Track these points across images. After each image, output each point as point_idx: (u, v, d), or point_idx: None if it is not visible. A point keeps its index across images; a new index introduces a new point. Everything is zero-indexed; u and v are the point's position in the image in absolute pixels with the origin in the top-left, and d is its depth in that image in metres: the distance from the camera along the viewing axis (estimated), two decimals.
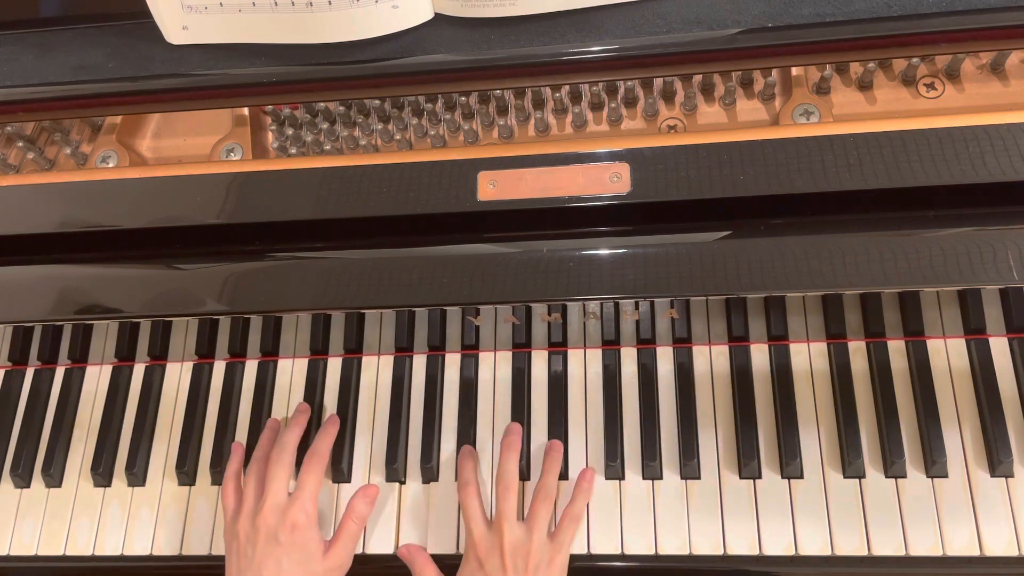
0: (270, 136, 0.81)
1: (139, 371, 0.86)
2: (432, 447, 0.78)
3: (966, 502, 0.70)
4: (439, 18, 0.64)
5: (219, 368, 0.85)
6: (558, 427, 0.77)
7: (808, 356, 0.77)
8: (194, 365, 0.85)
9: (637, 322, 0.79)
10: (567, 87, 0.76)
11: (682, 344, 0.79)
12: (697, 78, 0.75)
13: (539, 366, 0.80)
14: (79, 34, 0.69)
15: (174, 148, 0.82)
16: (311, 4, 0.62)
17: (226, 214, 0.69)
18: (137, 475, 0.81)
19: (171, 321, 0.86)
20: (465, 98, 0.76)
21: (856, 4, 0.60)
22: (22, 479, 0.83)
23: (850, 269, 0.62)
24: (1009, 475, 0.71)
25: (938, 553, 0.69)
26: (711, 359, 0.78)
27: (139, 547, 0.79)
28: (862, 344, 0.77)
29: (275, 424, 0.80)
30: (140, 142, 0.82)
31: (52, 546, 0.80)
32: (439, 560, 0.74)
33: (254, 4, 0.63)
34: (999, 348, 0.75)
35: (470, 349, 0.82)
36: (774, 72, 0.73)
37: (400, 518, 0.76)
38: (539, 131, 0.76)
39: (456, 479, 0.75)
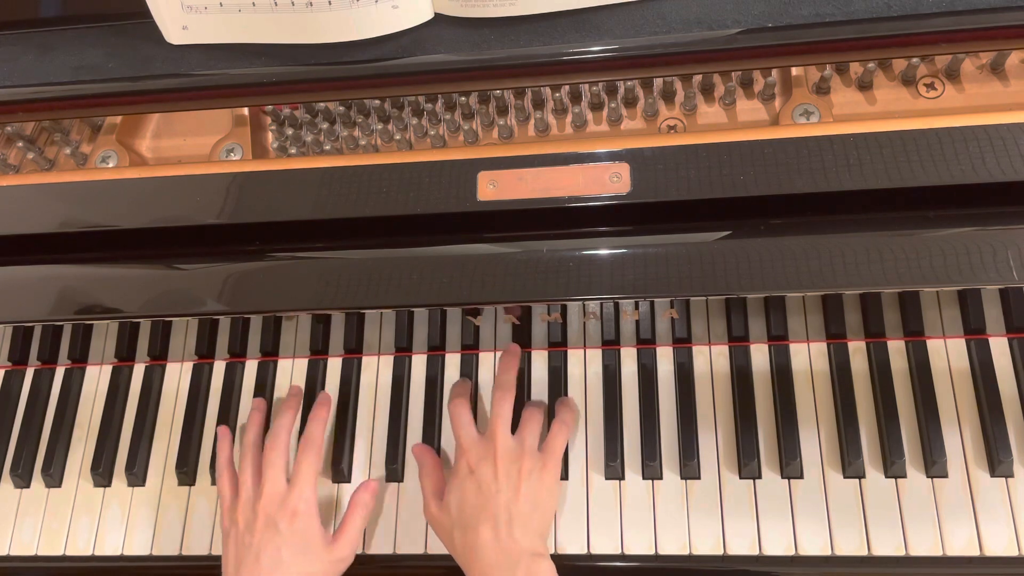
0: (270, 136, 0.81)
1: (139, 371, 0.86)
2: (432, 447, 0.78)
3: (966, 502, 0.70)
4: (439, 18, 0.64)
5: (219, 368, 0.85)
6: None
7: (808, 356, 0.77)
8: (194, 365, 0.85)
9: (637, 322, 0.79)
10: (567, 87, 0.76)
11: (682, 344, 0.79)
12: (697, 78, 0.75)
13: (539, 366, 0.80)
14: (79, 34, 0.69)
15: (174, 148, 0.82)
16: (311, 4, 0.62)
17: (226, 214, 0.69)
18: (137, 475, 0.81)
19: (171, 321, 0.86)
20: (465, 98, 0.76)
21: (856, 4, 0.60)
22: (22, 479, 0.83)
23: (850, 269, 0.62)
24: (1009, 475, 0.71)
25: (938, 553, 0.69)
26: (711, 359, 0.78)
27: (139, 547, 0.79)
28: (862, 344, 0.77)
29: (260, 405, 0.80)
30: (140, 142, 0.82)
31: (52, 546, 0.80)
32: (439, 560, 0.74)
33: (254, 4, 0.63)
34: (999, 348, 0.75)
35: (470, 349, 0.82)
36: (774, 72, 0.73)
37: (399, 518, 0.76)
38: (539, 131, 0.76)
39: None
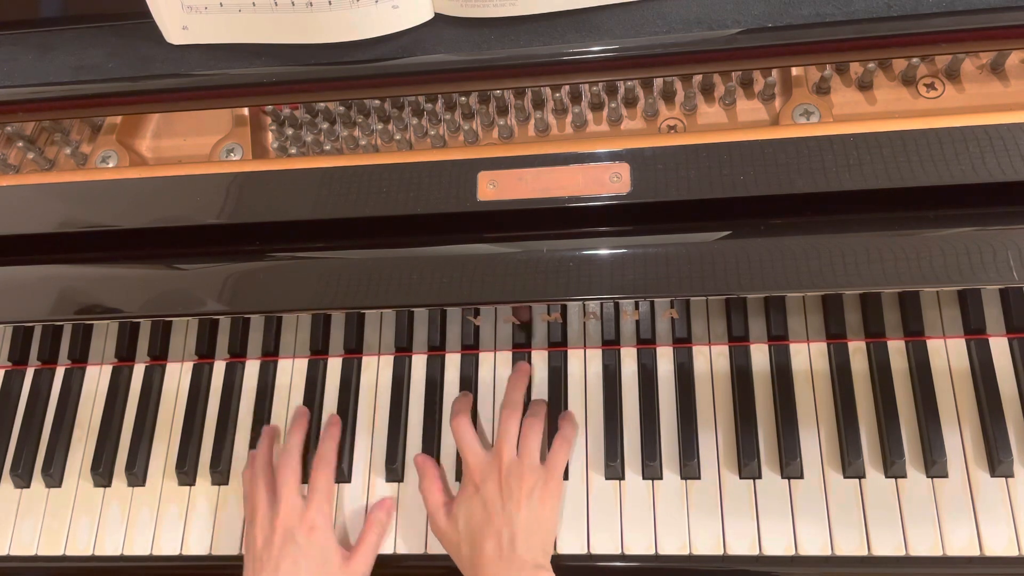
0: (270, 136, 0.81)
1: (139, 371, 0.86)
2: (432, 447, 0.78)
3: (966, 502, 0.70)
4: (439, 18, 0.64)
5: (219, 368, 0.85)
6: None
7: (808, 356, 0.77)
8: (194, 365, 0.85)
9: (637, 322, 0.79)
10: (567, 87, 0.76)
11: (682, 344, 0.79)
12: (697, 78, 0.75)
13: (539, 366, 0.80)
14: (79, 34, 0.69)
15: (174, 148, 0.82)
16: (311, 4, 0.62)
17: (226, 214, 0.69)
18: (137, 475, 0.81)
19: (171, 321, 0.86)
20: (465, 98, 0.76)
21: (856, 4, 0.60)
22: (22, 479, 0.83)
23: (850, 269, 0.62)
24: (1009, 475, 0.71)
25: (938, 553, 0.69)
26: (711, 359, 0.78)
27: (139, 547, 0.79)
28: (862, 344, 0.77)
29: (271, 431, 0.80)
30: (140, 142, 0.82)
31: (52, 546, 0.80)
32: (439, 560, 0.74)
33: (254, 4, 0.63)
34: (999, 348, 0.75)
35: (470, 349, 0.82)
36: (774, 72, 0.73)
37: (399, 518, 0.76)
38: (539, 131, 0.76)
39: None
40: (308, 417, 0.80)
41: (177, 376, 0.85)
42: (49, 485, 0.82)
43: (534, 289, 0.66)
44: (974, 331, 0.76)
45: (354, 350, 0.83)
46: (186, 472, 0.80)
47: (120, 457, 0.82)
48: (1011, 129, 0.61)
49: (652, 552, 0.72)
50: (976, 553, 0.69)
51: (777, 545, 0.71)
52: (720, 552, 0.71)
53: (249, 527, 0.73)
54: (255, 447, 0.79)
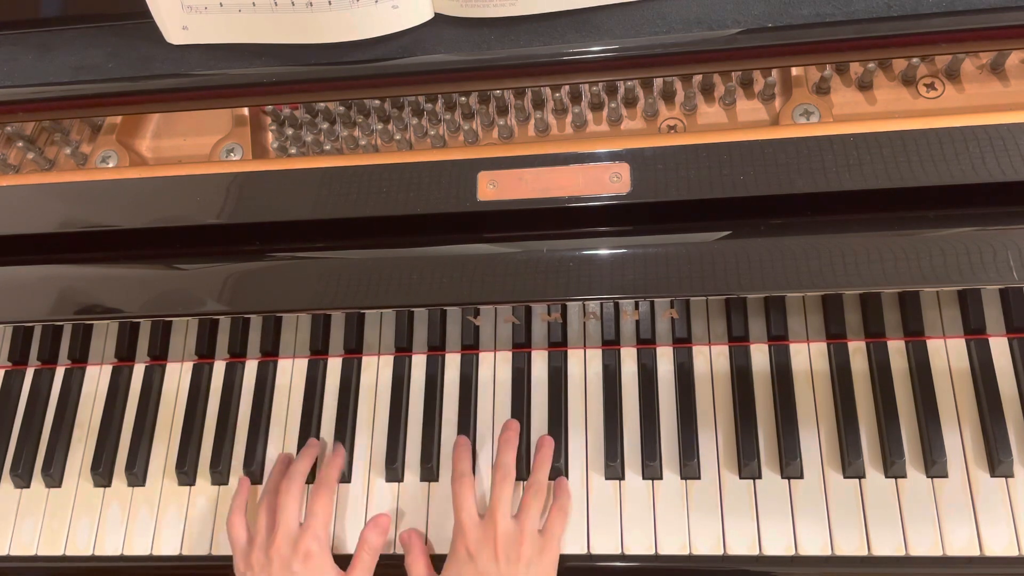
0: (270, 136, 0.81)
1: (139, 371, 0.86)
2: (432, 447, 0.78)
3: (966, 502, 0.70)
4: (439, 18, 0.64)
5: (219, 368, 0.85)
6: (557, 427, 0.77)
7: (808, 356, 0.77)
8: (194, 365, 0.85)
9: (637, 322, 0.79)
10: (567, 87, 0.76)
11: (682, 344, 0.79)
12: (697, 78, 0.75)
13: (539, 366, 0.80)
14: (79, 34, 0.69)
15: (174, 148, 0.82)
16: (311, 4, 0.62)
17: (226, 214, 0.69)
18: (137, 475, 0.81)
19: (171, 321, 0.86)
20: (465, 98, 0.76)
21: (856, 4, 0.60)
22: (22, 479, 0.83)
23: (850, 269, 0.62)
24: (1009, 475, 0.71)
25: (938, 553, 0.69)
26: (711, 359, 0.78)
27: (139, 547, 0.79)
28: (862, 344, 0.77)
29: (286, 458, 0.79)
30: (140, 142, 0.82)
31: (52, 546, 0.80)
32: (439, 560, 0.73)
33: (254, 4, 0.63)
34: (999, 348, 0.75)
35: (470, 349, 0.82)
36: (774, 72, 0.73)
37: (398, 518, 0.76)
38: (539, 131, 0.76)
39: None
40: (319, 448, 0.79)
41: (177, 376, 0.85)
42: (49, 485, 0.82)
43: (534, 289, 0.66)
44: (974, 331, 0.76)
45: (354, 350, 0.83)
46: (186, 472, 0.80)
47: (120, 457, 0.82)
48: (1011, 129, 0.61)
49: (652, 552, 0.72)
50: (976, 553, 0.69)
51: (777, 545, 0.71)
52: (720, 552, 0.71)
53: (246, 548, 0.73)
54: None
